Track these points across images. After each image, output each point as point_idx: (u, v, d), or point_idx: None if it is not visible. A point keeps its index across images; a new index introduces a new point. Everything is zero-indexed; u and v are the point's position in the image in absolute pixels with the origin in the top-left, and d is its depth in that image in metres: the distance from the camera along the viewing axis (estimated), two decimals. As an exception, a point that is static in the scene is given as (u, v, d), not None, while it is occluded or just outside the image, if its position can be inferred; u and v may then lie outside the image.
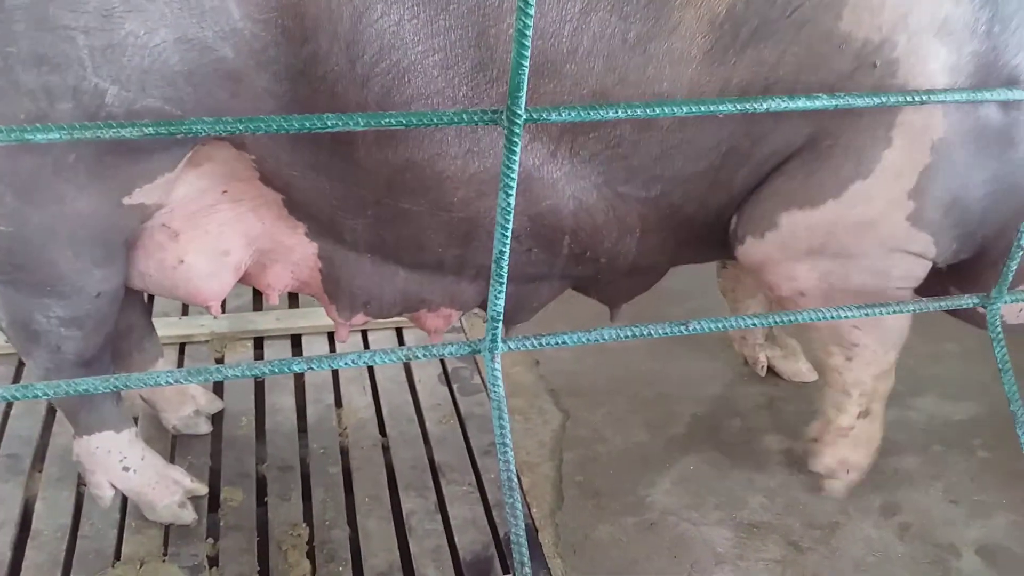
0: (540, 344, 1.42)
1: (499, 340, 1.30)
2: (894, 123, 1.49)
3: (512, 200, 1.16)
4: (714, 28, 1.40)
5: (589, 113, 1.08)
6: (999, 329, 1.53)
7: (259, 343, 2.37)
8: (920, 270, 1.67)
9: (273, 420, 2.08)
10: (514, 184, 1.16)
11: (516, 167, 1.12)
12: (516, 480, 1.28)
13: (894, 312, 1.52)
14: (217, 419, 2.07)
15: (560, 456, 2.04)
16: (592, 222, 1.59)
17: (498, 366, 1.30)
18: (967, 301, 1.56)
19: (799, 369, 2.33)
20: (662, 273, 1.88)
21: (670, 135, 1.49)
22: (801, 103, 1.14)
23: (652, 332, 1.34)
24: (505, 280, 1.25)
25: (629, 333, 1.34)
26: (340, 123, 1.08)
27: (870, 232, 1.58)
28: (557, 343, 1.38)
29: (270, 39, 1.28)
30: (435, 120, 1.12)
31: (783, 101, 1.16)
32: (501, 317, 1.28)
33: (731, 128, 1.50)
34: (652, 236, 1.66)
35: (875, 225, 1.57)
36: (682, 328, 1.46)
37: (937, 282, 1.78)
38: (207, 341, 2.35)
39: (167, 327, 2.33)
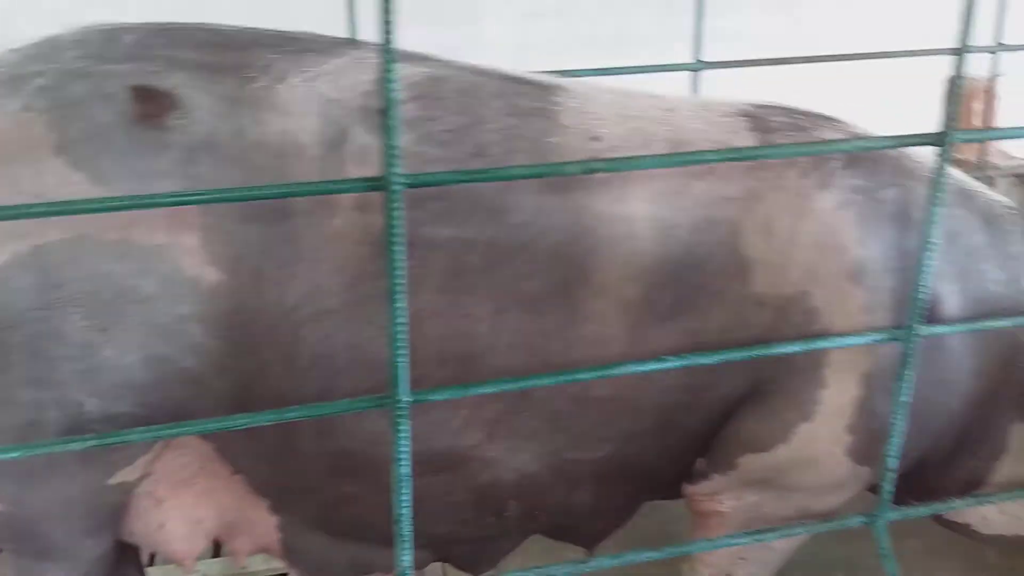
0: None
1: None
2: (825, 362, 1.66)
3: (406, 470, 1.37)
4: (631, 310, 1.58)
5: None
6: (887, 546, 1.67)
7: (250, 584, 2.52)
8: (842, 503, 1.80)
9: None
10: (407, 460, 1.36)
11: (407, 446, 1.32)
12: None
13: (781, 536, 1.68)
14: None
15: None
16: (538, 487, 1.71)
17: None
18: (853, 521, 1.71)
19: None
20: (634, 510, 1.94)
21: (609, 403, 1.64)
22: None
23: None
24: (409, 541, 1.43)
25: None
26: (249, 420, 1.30)
27: (813, 469, 1.73)
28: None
29: (226, 351, 1.50)
30: (329, 410, 1.34)
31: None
32: (411, 569, 1.45)
33: (669, 385, 1.64)
34: (609, 487, 1.78)
35: (817, 462, 1.72)
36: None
37: None
38: (201, 585, 2.52)
39: (162, 572, 2.51)
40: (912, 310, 1.50)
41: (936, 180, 1.39)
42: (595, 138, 1.59)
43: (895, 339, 1.53)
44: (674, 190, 1.59)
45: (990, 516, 1.89)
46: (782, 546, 1.88)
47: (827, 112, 1.78)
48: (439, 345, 1.54)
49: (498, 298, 1.54)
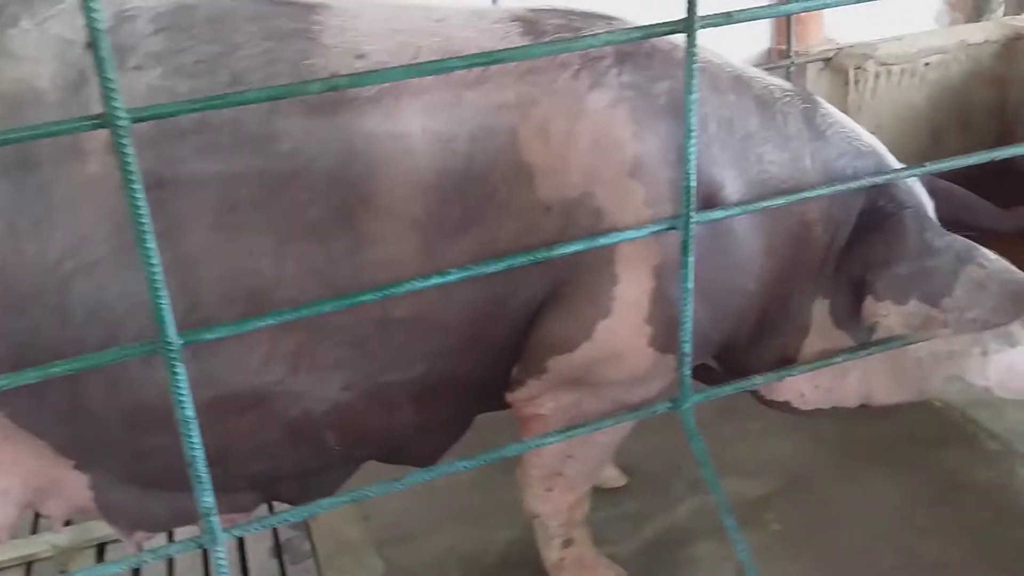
0: (266, 525, 1.58)
1: (218, 533, 1.46)
2: (616, 259, 1.68)
3: (190, 412, 1.34)
4: (419, 229, 1.57)
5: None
6: (693, 428, 1.74)
7: (101, 550, 2.47)
8: (659, 391, 1.85)
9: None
10: (188, 402, 1.34)
11: (186, 388, 1.30)
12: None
13: (591, 431, 1.72)
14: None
15: (375, 609, 2.17)
16: (355, 414, 1.70)
17: (222, 553, 1.46)
18: (660, 407, 1.76)
19: (608, 475, 2.50)
20: (465, 424, 1.96)
21: (413, 323, 1.63)
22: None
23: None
24: (207, 483, 1.42)
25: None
26: (12, 380, 1.25)
27: (619, 363, 1.77)
28: (285, 520, 1.54)
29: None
30: (94, 361, 1.30)
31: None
32: (214, 512, 1.44)
33: (471, 299, 1.65)
34: (430, 406, 1.79)
35: (623, 356, 1.76)
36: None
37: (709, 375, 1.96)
38: (51, 557, 2.46)
39: (11, 549, 2.44)
40: (684, 198, 1.54)
41: (687, 67, 1.41)
42: (360, 56, 1.55)
43: (673, 228, 1.57)
44: (447, 102, 1.58)
45: (806, 392, 1.97)
46: (605, 439, 1.94)
47: (608, 11, 1.78)
48: (222, 285, 1.50)
49: (278, 230, 1.51)
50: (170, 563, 2.28)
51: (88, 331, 1.47)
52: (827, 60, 3.01)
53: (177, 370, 1.31)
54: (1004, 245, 1.90)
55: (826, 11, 3.90)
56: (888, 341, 1.80)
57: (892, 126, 2.97)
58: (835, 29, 4.24)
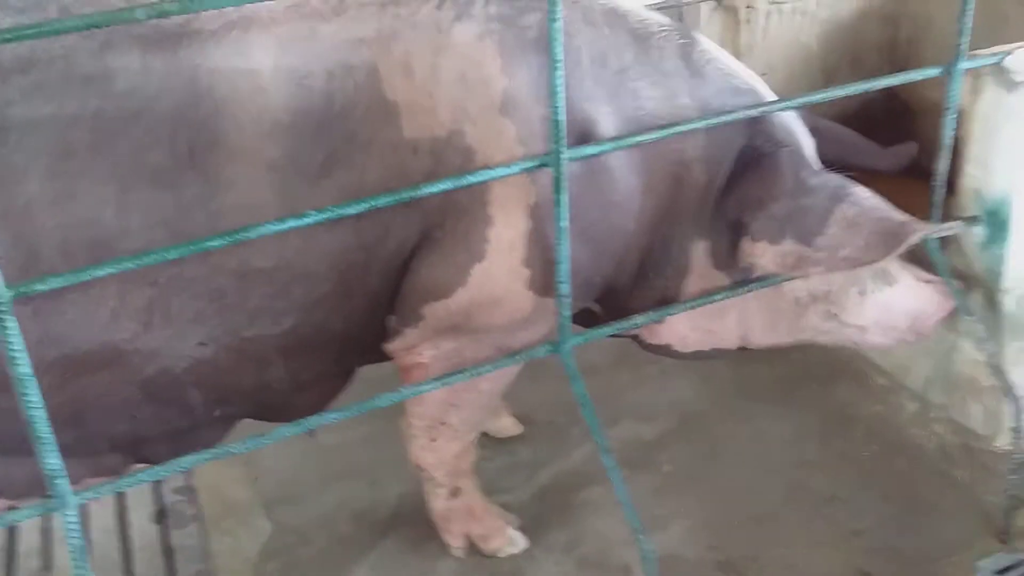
0: (120, 487, 1.50)
1: (67, 496, 1.37)
2: (489, 200, 1.62)
3: (26, 369, 1.25)
4: (276, 172, 1.48)
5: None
6: (575, 370, 1.70)
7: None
8: (542, 335, 1.81)
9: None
10: (24, 359, 1.25)
11: (20, 344, 1.21)
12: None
13: (470, 378, 1.67)
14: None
15: (263, 569, 2.10)
16: (221, 371, 1.62)
17: (72, 518, 1.37)
18: (540, 351, 1.73)
19: (503, 425, 2.47)
20: (344, 378, 1.88)
21: (276, 274, 1.55)
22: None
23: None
24: (51, 443, 1.33)
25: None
26: None
27: (498, 307, 1.71)
28: (139, 481, 1.46)
29: None
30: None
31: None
32: (62, 474, 1.35)
33: (338, 247, 1.57)
34: (303, 360, 1.70)
35: (501, 300, 1.70)
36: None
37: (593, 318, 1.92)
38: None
39: None
40: (554, 134, 1.49)
41: (549, -4, 1.35)
42: None
43: (544, 164, 1.52)
44: (301, 36, 1.49)
45: (686, 334, 1.94)
46: (488, 386, 1.89)
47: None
48: (61, 235, 1.40)
49: (120, 176, 1.41)
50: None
51: None
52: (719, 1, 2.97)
53: (7, 324, 1.22)
54: (888, 184, 1.90)
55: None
56: (765, 279, 1.79)
57: (784, 67, 2.96)
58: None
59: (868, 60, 3.05)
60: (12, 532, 2.20)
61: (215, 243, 1.33)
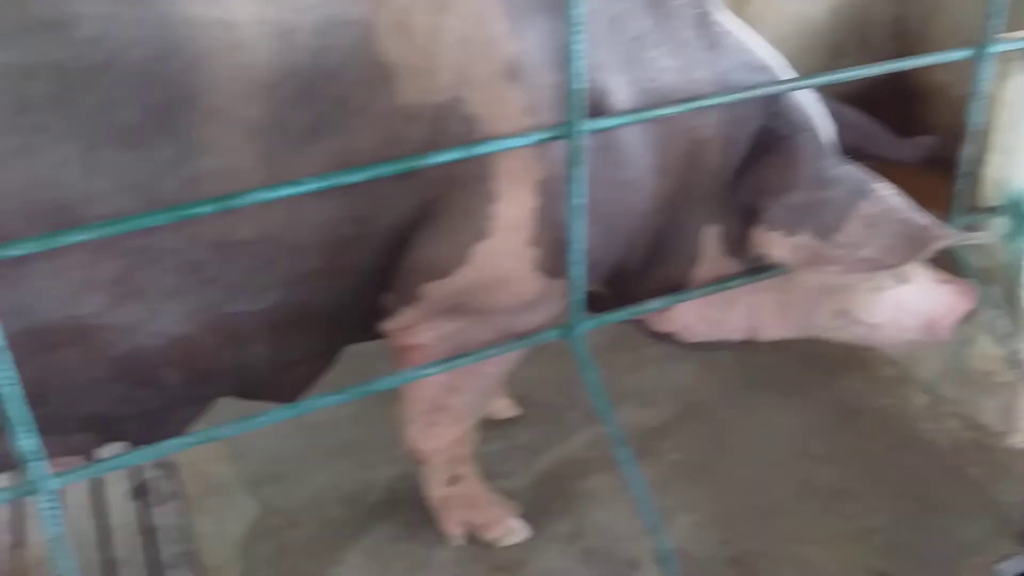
0: (100, 471, 1.40)
1: (46, 479, 1.27)
2: (494, 174, 1.50)
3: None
4: (259, 135, 1.36)
5: None
6: (586, 356, 1.61)
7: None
8: (549, 318, 1.71)
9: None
10: None
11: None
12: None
13: (474, 361, 1.57)
14: None
15: (250, 552, 2.01)
16: (199, 349, 1.51)
17: (48, 501, 1.28)
18: (551, 335, 1.63)
19: (499, 406, 2.37)
20: (331, 356, 1.79)
21: (260, 246, 1.44)
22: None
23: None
24: (23, 423, 1.23)
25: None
26: None
27: (503, 288, 1.61)
28: (116, 466, 1.36)
29: None
30: None
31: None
32: (38, 456, 1.25)
33: (327, 220, 1.46)
34: (289, 338, 1.60)
35: (506, 281, 1.60)
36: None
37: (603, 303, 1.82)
38: None
39: None
40: (572, 104, 1.38)
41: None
42: None
43: (559, 136, 1.42)
44: None
45: (692, 323, 1.86)
46: (491, 370, 1.80)
47: None
48: (21, 197, 1.27)
49: (85, 134, 1.28)
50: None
51: None
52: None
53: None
54: (893, 170, 1.81)
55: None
56: (779, 269, 1.69)
57: (792, 42, 2.85)
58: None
59: (877, 37, 2.95)
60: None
61: (199, 210, 1.22)
